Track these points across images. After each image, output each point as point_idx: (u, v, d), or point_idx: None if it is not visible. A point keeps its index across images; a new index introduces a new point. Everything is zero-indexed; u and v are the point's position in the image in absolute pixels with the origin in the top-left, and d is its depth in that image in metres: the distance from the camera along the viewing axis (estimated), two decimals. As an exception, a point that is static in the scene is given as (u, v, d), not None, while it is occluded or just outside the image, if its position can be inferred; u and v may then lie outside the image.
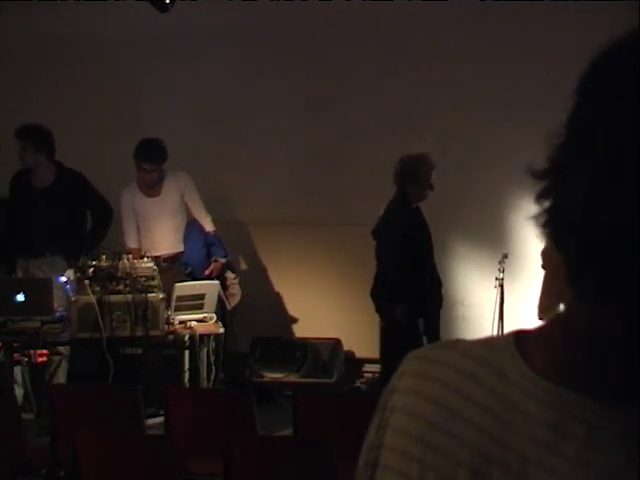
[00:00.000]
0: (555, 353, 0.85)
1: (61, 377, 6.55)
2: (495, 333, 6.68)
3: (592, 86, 0.82)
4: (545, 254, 5.61)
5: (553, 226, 0.82)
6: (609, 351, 0.80)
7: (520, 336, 0.89)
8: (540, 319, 5.56)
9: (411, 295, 6.21)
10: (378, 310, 6.48)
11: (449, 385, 0.89)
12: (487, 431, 0.85)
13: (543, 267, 5.67)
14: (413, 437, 0.88)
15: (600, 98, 0.81)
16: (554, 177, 0.83)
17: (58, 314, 6.35)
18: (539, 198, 0.83)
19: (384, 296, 6.39)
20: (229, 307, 7.10)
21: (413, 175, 6.29)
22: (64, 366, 6.57)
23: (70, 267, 6.66)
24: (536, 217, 0.83)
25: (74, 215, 6.99)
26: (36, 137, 6.93)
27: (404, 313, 6.20)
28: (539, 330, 0.88)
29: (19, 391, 6.48)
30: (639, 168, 0.76)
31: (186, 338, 6.50)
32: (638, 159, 0.76)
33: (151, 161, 6.90)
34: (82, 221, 7.08)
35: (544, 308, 5.49)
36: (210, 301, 6.63)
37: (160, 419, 5.58)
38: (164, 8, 7.16)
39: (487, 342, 0.92)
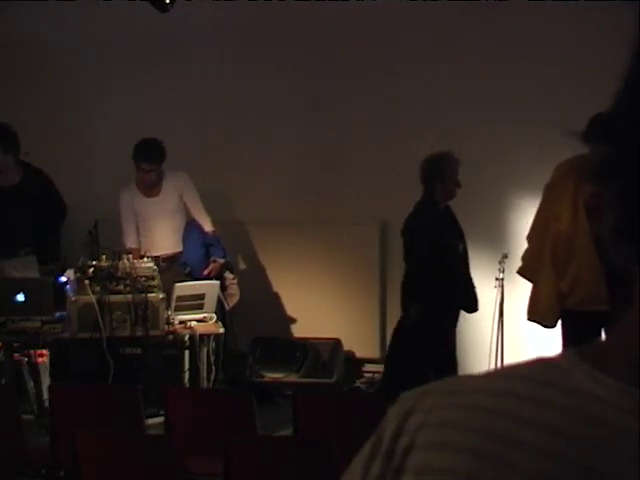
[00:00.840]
0: (634, 355, 0.73)
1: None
2: (495, 333, 6.68)
3: None
4: (528, 258, 5.60)
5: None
6: None
7: (582, 351, 0.77)
8: (533, 321, 5.57)
9: (435, 296, 6.18)
10: (403, 306, 6.48)
11: (487, 409, 0.76)
12: (558, 455, 0.72)
13: (521, 273, 5.66)
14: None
15: None
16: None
17: (58, 314, 6.36)
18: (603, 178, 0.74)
19: (406, 295, 6.39)
20: (227, 307, 7.10)
21: (439, 174, 6.24)
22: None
23: (42, 266, 6.75)
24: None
25: (42, 213, 7.02)
26: (4, 137, 6.94)
27: (421, 314, 6.17)
28: (609, 341, 0.78)
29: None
30: None
31: (186, 338, 6.50)
32: None
33: (150, 161, 6.90)
34: (49, 220, 7.14)
35: (543, 312, 5.49)
36: (210, 301, 6.63)
37: (160, 419, 5.58)
38: (164, 8, 7.16)
39: (535, 362, 0.79)
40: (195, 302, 6.55)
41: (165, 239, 7.08)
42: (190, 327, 6.45)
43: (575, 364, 0.76)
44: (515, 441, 0.73)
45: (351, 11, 7.61)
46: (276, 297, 8.13)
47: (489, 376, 0.82)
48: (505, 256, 6.66)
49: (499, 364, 6.61)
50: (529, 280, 5.58)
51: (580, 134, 0.76)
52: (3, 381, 6.38)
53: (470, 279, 6.47)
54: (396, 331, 6.61)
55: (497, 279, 6.68)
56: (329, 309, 7.88)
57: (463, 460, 0.74)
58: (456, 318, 6.50)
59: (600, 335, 4.99)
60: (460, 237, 6.41)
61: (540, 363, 0.78)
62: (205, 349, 6.54)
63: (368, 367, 7.91)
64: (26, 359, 6.55)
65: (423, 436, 0.78)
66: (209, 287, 6.73)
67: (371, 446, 0.82)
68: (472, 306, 6.47)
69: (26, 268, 6.82)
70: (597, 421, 0.72)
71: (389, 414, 0.82)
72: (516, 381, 0.77)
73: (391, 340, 6.73)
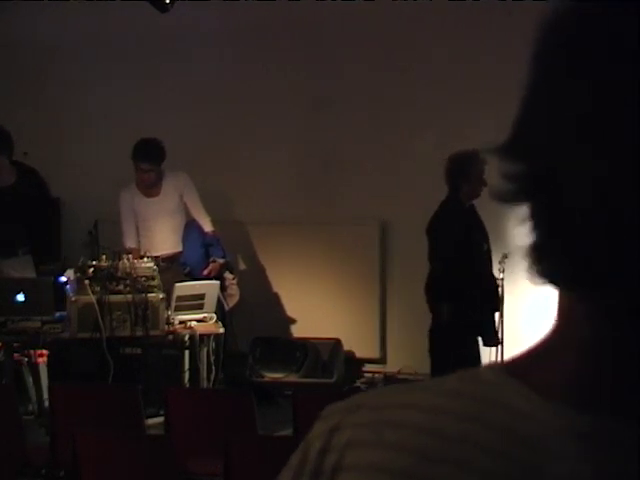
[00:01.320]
0: (566, 374, 0.72)
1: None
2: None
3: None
4: None
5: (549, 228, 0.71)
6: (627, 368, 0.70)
7: (510, 365, 0.76)
8: None
9: (460, 296, 6.16)
10: (431, 310, 6.43)
11: (415, 426, 0.74)
12: (489, 473, 0.71)
13: None
14: None
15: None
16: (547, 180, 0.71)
17: (58, 314, 6.36)
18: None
19: (434, 296, 6.36)
20: (227, 308, 7.10)
21: (465, 173, 6.20)
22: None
23: (41, 266, 6.77)
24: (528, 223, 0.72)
25: (38, 213, 7.03)
26: (3, 139, 6.95)
27: (451, 313, 6.15)
28: (532, 354, 0.76)
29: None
30: None
31: (186, 338, 6.50)
32: None
33: (149, 161, 6.89)
34: (45, 219, 7.15)
35: None
36: (210, 301, 6.63)
37: (160, 419, 5.58)
38: (164, 8, 7.17)
39: (459, 376, 0.78)
40: (195, 302, 6.55)
41: (165, 239, 7.08)
42: (190, 327, 6.45)
43: (504, 380, 0.74)
44: (447, 460, 0.72)
45: (351, 11, 7.61)
46: (276, 297, 8.13)
47: (420, 390, 0.79)
48: (505, 256, 6.66)
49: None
50: None
51: (502, 148, 0.74)
52: (3, 381, 6.38)
53: (495, 279, 6.47)
54: (432, 333, 6.50)
55: (497, 279, 6.68)
56: (329, 309, 7.88)
57: None
58: (478, 317, 6.43)
59: None
60: (485, 237, 6.38)
61: (469, 378, 0.77)
62: (205, 349, 6.54)
63: (368, 367, 7.92)
64: (26, 359, 6.55)
65: (352, 455, 0.76)
66: (209, 287, 6.73)
67: (297, 462, 0.81)
68: (497, 305, 6.46)
69: (24, 268, 6.82)
70: (532, 441, 0.71)
71: (314, 429, 0.80)
72: (447, 397, 0.75)
73: (430, 343, 6.53)
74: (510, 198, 0.72)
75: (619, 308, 0.69)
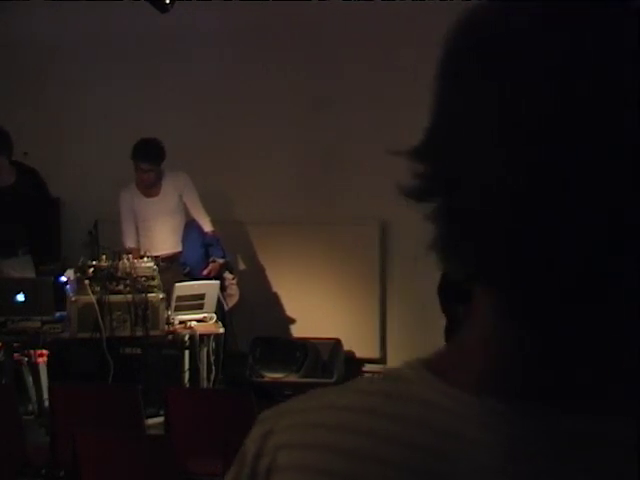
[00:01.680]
0: (476, 367, 0.76)
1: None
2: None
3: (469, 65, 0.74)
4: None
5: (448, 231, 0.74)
6: (525, 365, 0.74)
7: (426, 361, 0.80)
8: None
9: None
10: (443, 310, 6.42)
11: (346, 427, 0.77)
12: (411, 469, 0.74)
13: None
14: None
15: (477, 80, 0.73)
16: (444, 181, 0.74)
17: (58, 314, 6.36)
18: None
19: (447, 298, 6.34)
20: (226, 308, 7.10)
21: None
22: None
23: (41, 266, 6.77)
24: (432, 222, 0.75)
25: (38, 213, 7.03)
26: (3, 139, 6.95)
27: (467, 314, 6.15)
28: (448, 350, 0.80)
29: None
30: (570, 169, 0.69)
31: (186, 338, 6.50)
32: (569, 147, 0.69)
33: (149, 161, 6.89)
34: (45, 219, 7.16)
35: None
36: (210, 301, 6.63)
37: (160, 419, 5.58)
38: (164, 8, 7.16)
39: (381, 375, 0.81)
40: (195, 302, 6.55)
41: (165, 239, 7.08)
42: (190, 327, 6.45)
43: (420, 375, 0.78)
44: (366, 456, 0.75)
45: (351, 11, 7.61)
46: (276, 297, 8.13)
47: (345, 391, 0.82)
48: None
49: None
50: None
51: (414, 151, 0.76)
52: (3, 381, 6.38)
53: None
54: (447, 336, 6.49)
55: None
56: (329, 309, 7.88)
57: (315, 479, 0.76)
58: None
59: None
60: None
61: (387, 376, 0.80)
62: (205, 349, 6.54)
63: (368, 367, 7.91)
64: (26, 359, 6.55)
65: (283, 457, 0.79)
66: (209, 287, 6.73)
67: (236, 466, 0.85)
68: None
69: (23, 268, 6.83)
70: (443, 432, 0.74)
71: (251, 434, 0.84)
72: (365, 396, 0.79)
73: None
74: (416, 196, 0.75)
75: (518, 305, 0.73)
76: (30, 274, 6.83)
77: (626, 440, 0.72)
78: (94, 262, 6.33)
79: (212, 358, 6.56)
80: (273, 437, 0.81)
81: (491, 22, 0.74)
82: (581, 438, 0.72)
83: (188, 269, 7.15)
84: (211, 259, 7.19)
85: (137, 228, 7.07)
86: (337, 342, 7.65)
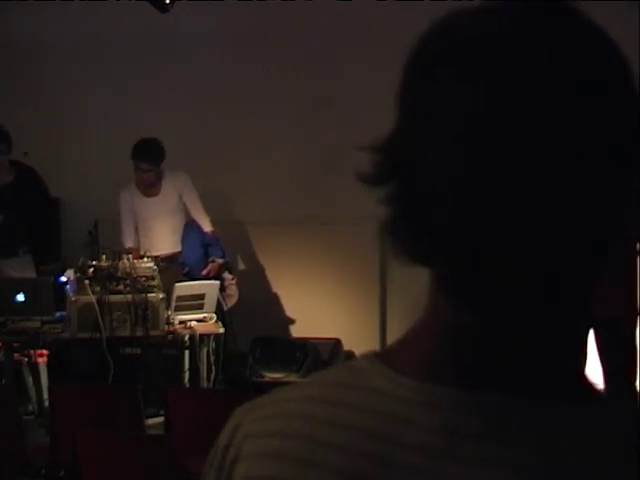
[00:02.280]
0: (426, 355, 0.81)
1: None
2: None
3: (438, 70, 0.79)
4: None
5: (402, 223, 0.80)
6: (474, 349, 0.78)
7: (380, 352, 0.85)
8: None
9: None
10: None
11: (303, 415, 0.82)
12: (357, 451, 0.78)
13: None
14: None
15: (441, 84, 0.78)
16: (402, 175, 0.79)
17: (58, 314, 6.36)
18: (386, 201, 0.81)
19: None
20: (226, 308, 7.09)
21: None
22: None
23: (41, 266, 6.76)
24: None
25: (38, 212, 7.03)
26: (3, 138, 6.95)
27: None
28: (402, 340, 0.85)
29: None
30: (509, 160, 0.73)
31: (186, 338, 6.50)
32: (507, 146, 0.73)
33: (148, 161, 6.89)
34: (45, 218, 7.16)
35: None
36: (210, 301, 6.63)
37: (160, 419, 5.58)
38: (164, 8, 7.16)
39: (338, 367, 0.89)
40: (195, 302, 6.55)
41: (164, 239, 7.08)
42: (190, 327, 6.45)
43: (372, 365, 0.83)
44: (318, 441, 0.80)
45: (351, 11, 7.60)
46: (276, 297, 8.13)
47: (307, 384, 0.89)
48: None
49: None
50: None
51: (374, 145, 0.82)
52: (3, 381, 6.38)
53: None
54: None
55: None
56: (329, 309, 7.88)
57: (275, 465, 0.81)
58: None
59: None
60: None
61: (346, 368, 0.86)
62: (205, 349, 6.54)
63: (368, 367, 7.90)
64: (26, 359, 6.55)
65: (247, 447, 0.84)
66: (209, 287, 6.73)
67: (210, 457, 0.89)
68: None
69: (24, 268, 6.82)
70: (389, 416, 0.79)
71: (225, 428, 0.89)
72: (319, 387, 0.85)
73: None
74: (373, 180, 0.83)
75: (463, 290, 0.77)
76: (30, 274, 6.83)
77: (554, 422, 0.76)
78: (94, 262, 6.33)
79: (212, 358, 6.56)
80: (241, 429, 0.86)
81: (465, 25, 0.79)
82: (522, 421, 0.76)
83: (187, 269, 7.15)
84: (210, 259, 7.19)
85: (137, 228, 7.08)
86: (337, 342, 7.65)
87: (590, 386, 0.80)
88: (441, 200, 0.75)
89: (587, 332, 0.84)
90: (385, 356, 0.84)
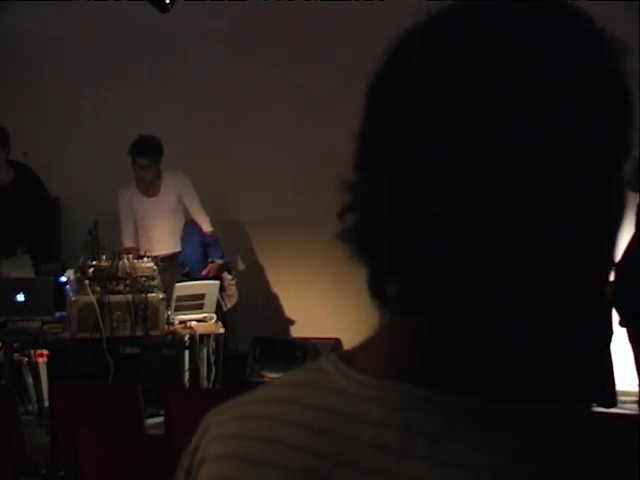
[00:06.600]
0: (386, 354, 0.83)
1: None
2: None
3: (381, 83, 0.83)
4: None
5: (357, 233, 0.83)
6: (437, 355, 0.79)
7: (343, 353, 0.87)
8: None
9: None
10: None
11: (265, 416, 0.84)
12: (313, 451, 0.79)
13: None
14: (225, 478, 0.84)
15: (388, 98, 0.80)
16: (358, 185, 0.83)
17: (58, 314, 6.36)
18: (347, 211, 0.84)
19: None
20: (225, 308, 7.09)
21: None
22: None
23: (41, 266, 6.76)
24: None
25: (35, 212, 7.03)
26: (2, 137, 6.95)
27: None
28: (365, 341, 0.87)
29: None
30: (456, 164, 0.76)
31: (186, 338, 6.50)
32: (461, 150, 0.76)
33: (146, 156, 6.87)
34: (43, 218, 7.16)
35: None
36: (210, 301, 6.63)
37: (160, 419, 5.58)
38: (164, 8, 7.16)
39: (304, 368, 0.89)
40: (195, 302, 6.55)
41: (164, 239, 7.08)
42: (190, 327, 6.45)
43: (334, 365, 0.85)
44: (279, 441, 0.81)
45: (351, 11, 7.61)
46: (276, 297, 8.13)
47: (272, 386, 0.90)
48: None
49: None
50: None
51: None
52: (3, 381, 6.38)
53: None
54: None
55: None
56: (329, 309, 7.88)
57: (237, 466, 0.83)
58: None
59: None
60: None
61: (310, 369, 0.87)
62: (205, 349, 6.54)
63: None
64: (26, 359, 6.55)
65: (214, 449, 0.86)
66: (209, 287, 6.73)
67: (181, 461, 0.92)
68: None
69: (22, 268, 6.82)
70: (346, 414, 0.80)
71: (196, 432, 0.92)
72: (284, 387, 0.87)
73: None
74: (345, 188, 0.89)
75: (418, 296, 0.79)
76: (29, 274, 6.83)
77: (508, 423, 0.76)
78: (94, 262, 6.33)
79: (212, 358, 6.56)
80: (209, 432, 0.89)
81: (447, 33, 0.81)
82: (476, 421, 0.76)
83: (187, 269, 7.15)
84: (210, 259, 7.19)
85: (136, 228, 7.08)
86: (337, 342, 7.65)
87: (559, 388, 0.79)
88: (392, 212, 0.80)
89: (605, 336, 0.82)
90: (348, 356, 0.86)
